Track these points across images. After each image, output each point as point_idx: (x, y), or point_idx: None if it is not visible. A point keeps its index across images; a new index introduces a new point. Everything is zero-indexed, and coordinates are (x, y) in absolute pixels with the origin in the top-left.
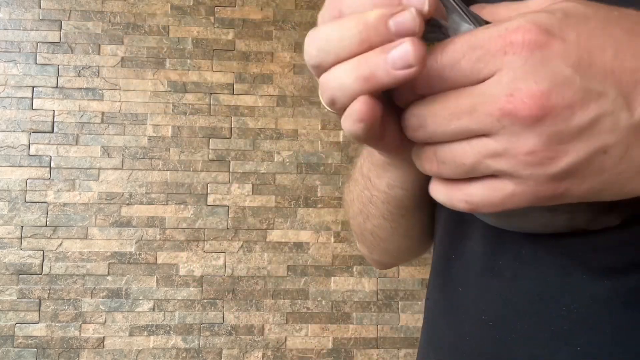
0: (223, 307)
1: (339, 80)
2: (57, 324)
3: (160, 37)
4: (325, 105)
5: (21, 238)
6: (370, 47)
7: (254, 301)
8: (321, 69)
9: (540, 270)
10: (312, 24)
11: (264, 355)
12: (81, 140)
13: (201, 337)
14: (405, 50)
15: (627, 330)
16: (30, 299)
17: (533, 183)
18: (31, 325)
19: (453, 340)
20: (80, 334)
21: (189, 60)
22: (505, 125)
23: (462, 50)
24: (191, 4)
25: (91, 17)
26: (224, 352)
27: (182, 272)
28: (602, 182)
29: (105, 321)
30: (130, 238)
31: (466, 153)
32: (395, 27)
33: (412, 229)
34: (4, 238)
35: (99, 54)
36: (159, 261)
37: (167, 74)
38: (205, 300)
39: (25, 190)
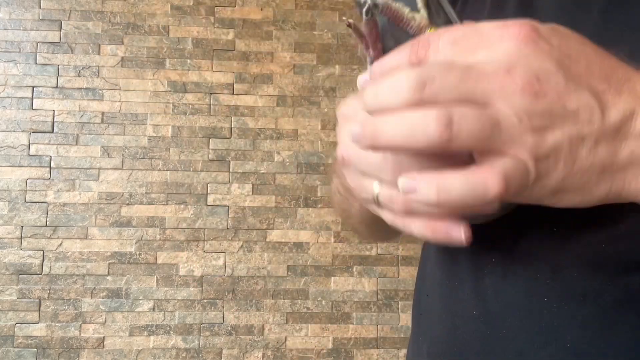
0: (223, 307)
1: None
2: (57, 324)
3: (160, 37)
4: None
5: (21, 238)
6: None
7: (254, 301)
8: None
9: (531, 267)
10: (312, 23)
11: (264, 355)
12: (81, 140)
13: (201, 337)
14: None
15: (617, 328)
16: (30, 299)
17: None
18: (31, 325)
19: (445, 333)
20: (80, 334)
21: (189, 60)
22: (506, 92)
23: (465, 33)
24: (191, 4)
25: (91, 17)
26: (224, 352)
27: (182, 272)
28: (571, 176)
29: (105, 321)
30: (130, 238)
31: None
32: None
33: (389, 230)
34: (4, 238)
35: (99, 54)
36: (159, 261)
37: (167, 74)
38: (205, 300)
39: (25, 190)
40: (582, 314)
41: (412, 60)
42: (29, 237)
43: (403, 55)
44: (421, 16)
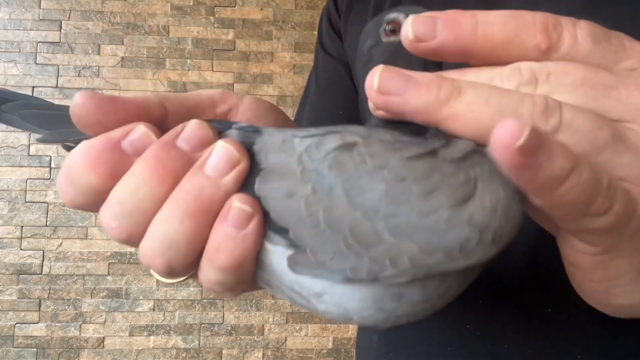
0: (223, 307)
1: (165, 237)
2: (57, 324)
3: (160, 37)
4: (163, 279)
5: (21, 238)
6: (176, 179)
7: (254, 301)
8: (136, 238)
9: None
10: (313, 23)
11: (264, 355)
12: None
13: (201, 337)
14: (223, 149)
15: (626, 340)
16: (30, 299)
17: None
18: (31, 325)
19: (431, 351)
20: (80, 334)
21: (189, 60)
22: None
23: (606, 33)
24: (191, 4)
25: (91, 17)
26: (224, 352)
27: None
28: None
29: (105, 321)
30: None
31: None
32: (187, 142)
33: None
34: (4, 238)
35: (99, 54)
36: None
37: (167, 74)
38: (205, 300)
39: (25, 190)
40: (590, 327)
41: (540, 44)
42: (29, 237)
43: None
44: None
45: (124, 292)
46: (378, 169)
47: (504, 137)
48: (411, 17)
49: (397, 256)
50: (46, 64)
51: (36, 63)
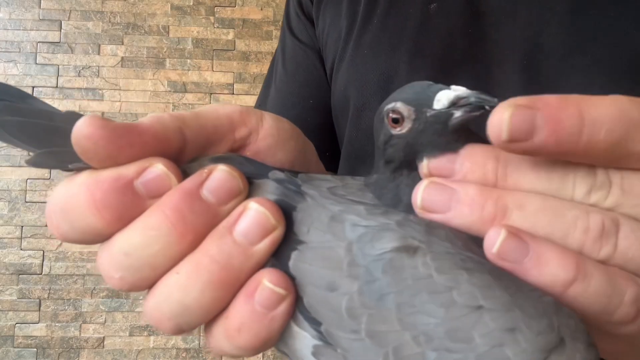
0: None
1: (179, 304)
2: (57, 324)
3: (160, 37)
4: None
5: (21, 238)
6: (198, 236)
7: None
8: (140, 289)
9: None
10: None
11: (264, 355)
12: None
13: (201, 337)
14: (258, 213)
15: None
16: (30, 299)
17: None
18: (31, 325)
19: None
20: (80, 334)
21: (189, 60)
22: None
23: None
24: (191, 4)
25: (91, 17)
26: None
27: None
28: None
29: (105, 321)
30: None
31: None
32: (213, 193)
33: None
34: (4, 238)
35: (99, 54)
36: None
37: (167, 74)
38: None
39: (25, 190)
40: None
41: None
42: (29, 237)
43: None
44: None
45: (123, 292)
46: (446, 289)
47: (487, 243)
48: (506, 111)
49: None
50: (46, 64)
51: (36, 63)
